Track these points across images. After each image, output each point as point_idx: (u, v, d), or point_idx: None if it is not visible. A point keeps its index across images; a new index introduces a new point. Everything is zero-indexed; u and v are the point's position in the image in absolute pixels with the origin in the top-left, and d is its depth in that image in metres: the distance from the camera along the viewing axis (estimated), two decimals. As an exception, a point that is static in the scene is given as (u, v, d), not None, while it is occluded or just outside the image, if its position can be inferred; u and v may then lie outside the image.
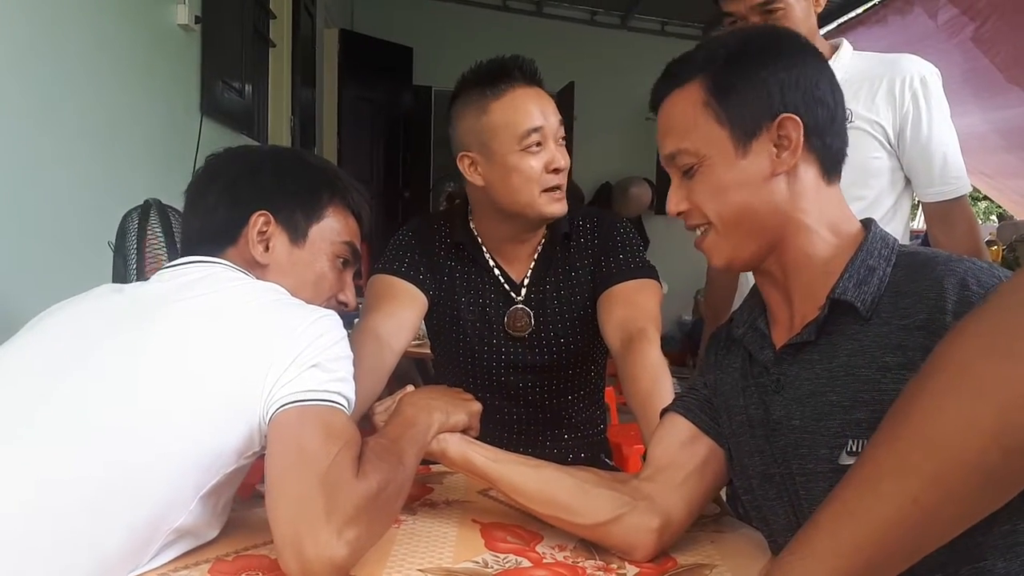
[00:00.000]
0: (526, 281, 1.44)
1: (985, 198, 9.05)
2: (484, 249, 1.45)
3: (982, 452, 0.53)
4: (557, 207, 1.36)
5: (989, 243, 4.41)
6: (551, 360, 1.44)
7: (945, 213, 1.55)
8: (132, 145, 2.43)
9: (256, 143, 3.71)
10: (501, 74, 1.31)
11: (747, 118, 0.83)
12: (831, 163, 0.86)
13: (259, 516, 0.81)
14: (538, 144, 1.32)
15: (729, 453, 0.94)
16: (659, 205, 6.84)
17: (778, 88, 0.83)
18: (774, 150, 0.83)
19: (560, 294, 1.44)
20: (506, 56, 1.35)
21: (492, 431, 1.22)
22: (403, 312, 1.37)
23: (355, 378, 0.93)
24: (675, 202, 0.89)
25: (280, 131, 4.32)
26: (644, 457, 1.09)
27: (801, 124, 0.82)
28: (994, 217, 9.96)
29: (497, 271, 1.45)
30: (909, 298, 0.77)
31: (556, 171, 1.33)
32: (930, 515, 0.55)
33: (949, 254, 0.79)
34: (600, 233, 1.45)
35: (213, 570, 0.85)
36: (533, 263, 1.45)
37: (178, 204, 2.17)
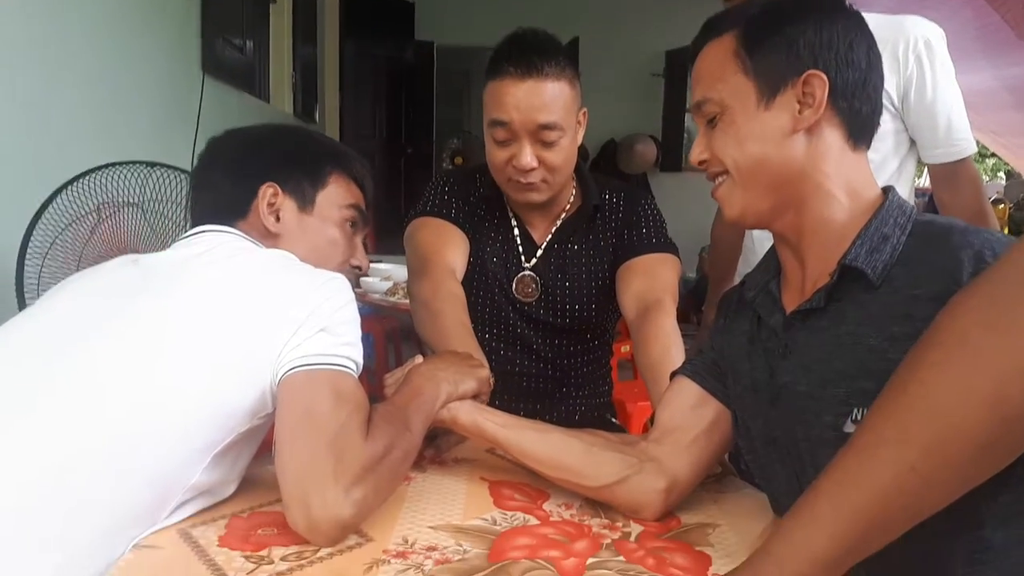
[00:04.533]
0: (543, 245, 1.45)
1: (993, 155, 8.98)
2: (509, 208, 1.47)
3: (979, 422, 0.54)
4: (522, 196, 1.37)
5: (996, 201, 4.38)
6: (563, 323, 1.46)
7: (950, 174, 1.55)
8: (135, 104, 2.42)
9: (259, 101, 3.69)
10: (498, 59, 1.29)
11: (773, 72, 0.83)
12: (858, 128, 0.85)
13: (273, 473, 0.84)
14: (504, 139, 1.31)
15: (735, 415, 0.95)
16: (664, 162, 6.81)
17: (808, 45, 0.82)
18: (797, 106, 0.82)
19: (581, 261, 1.45)
20: (520, 35, 1.31)
21: (505, 383, 1.24)
22: (458, 250, 1.40)
23: (447, 313, 1.16)
24: (698, 151, 0.89)
25: (282, 88, 4.28)
26: (650, 422, 1.12)
27: (827, 83, 0.81)
28: (1002, 174, 9.88)
29: (518, 231, 1.46)
30: (923, 267, 0.76)
31: (520, 169, 1.31)
32: (927, 482, 0.57)
33: (966, 225, 0.78)
34: (626, 207, 1.46)
35: (229, 526, 0.87)
36: (555, 228, 1.46)
37: (182, 162, 2.18)
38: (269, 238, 1.02)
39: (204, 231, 1.00)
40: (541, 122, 1.28)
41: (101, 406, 0.81)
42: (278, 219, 1.03)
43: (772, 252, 0.95)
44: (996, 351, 0.53)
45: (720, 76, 0.86)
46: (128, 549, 0.80)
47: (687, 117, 6.88)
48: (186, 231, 1.04)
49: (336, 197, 1.08)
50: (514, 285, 1.45)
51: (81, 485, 0.78)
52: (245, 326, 0.87)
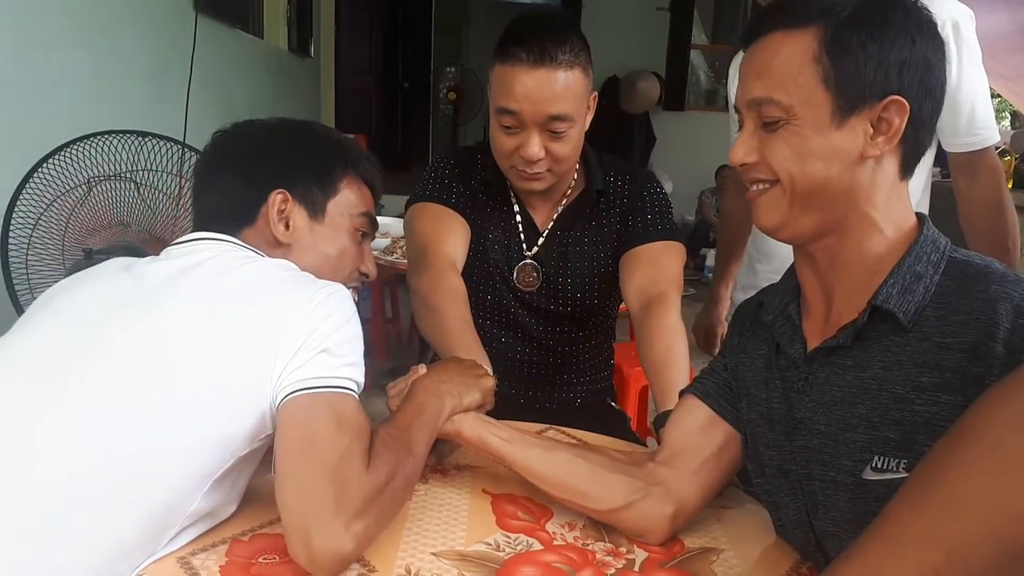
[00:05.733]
0: (545, 233, 1.41)
1: (997, 96, 8.80)
2: (511, 192, 1.42)
3: (1007, 530, 0.52)
4: (526, 184, 1.32)
5: (1003, 152, 4.29)
6: (565, 311, 1.44)
7: (970, 164, 1.50)
8: (124, 48, 2.32)
9: (253, 37, 3.57)
10: (508, 42, 1.23)
11: (856, 89, 0.76)
12: (913, 160, 0.81)
13: (273, 482, 0.82)
14: (511, 126, 1.26)
15: (746, 438, 0.94)
16: (667, 101, 6.65)
17: (897, 65, 0.75)
18: (870, 131, 0.77)
19: (583, 248, 1.41)
20: (533, 17, 1.26)
21: (505, 370, 1.23)
22: (459, 238, 1.36)
23: (447, 310, 1.17)
24: (744, 151, 0.81)
25: (276, 23, 4.13)
26: (653, 424, 1.10)
27: (908, 112, 0.76)
28: (1007, 114, 9.71)
29: (520, 216, 1.42)
30: (957, 315, 0.73)
31: (526, 159, 1.26)
32: None
33: (1004, 270, 0.75)
34: (631, 191, 1.42)
35: (230, 553, 0.86)
36: (558, 213, 1.42)
37: (175, 115, 2.09)
38: (277, 247, 0.99)
39: (200, 239, 0.96)
40: (552, 113, 1.23)
41: (97, 436, 0.79)
42: (288, 227, 0.99)
43: (791, 272, 0.91)
44: None
45: (794, 79, 0.77)
46: (128, 582, 0.79)
47: (692, 54, 6.70)
48: (183, 198, 0.99)
49: (347, 205, 1.04)
50: (515, 274, 1.42)
51: (80, 516, 0.76)
52: (243, 348, 0.85)
